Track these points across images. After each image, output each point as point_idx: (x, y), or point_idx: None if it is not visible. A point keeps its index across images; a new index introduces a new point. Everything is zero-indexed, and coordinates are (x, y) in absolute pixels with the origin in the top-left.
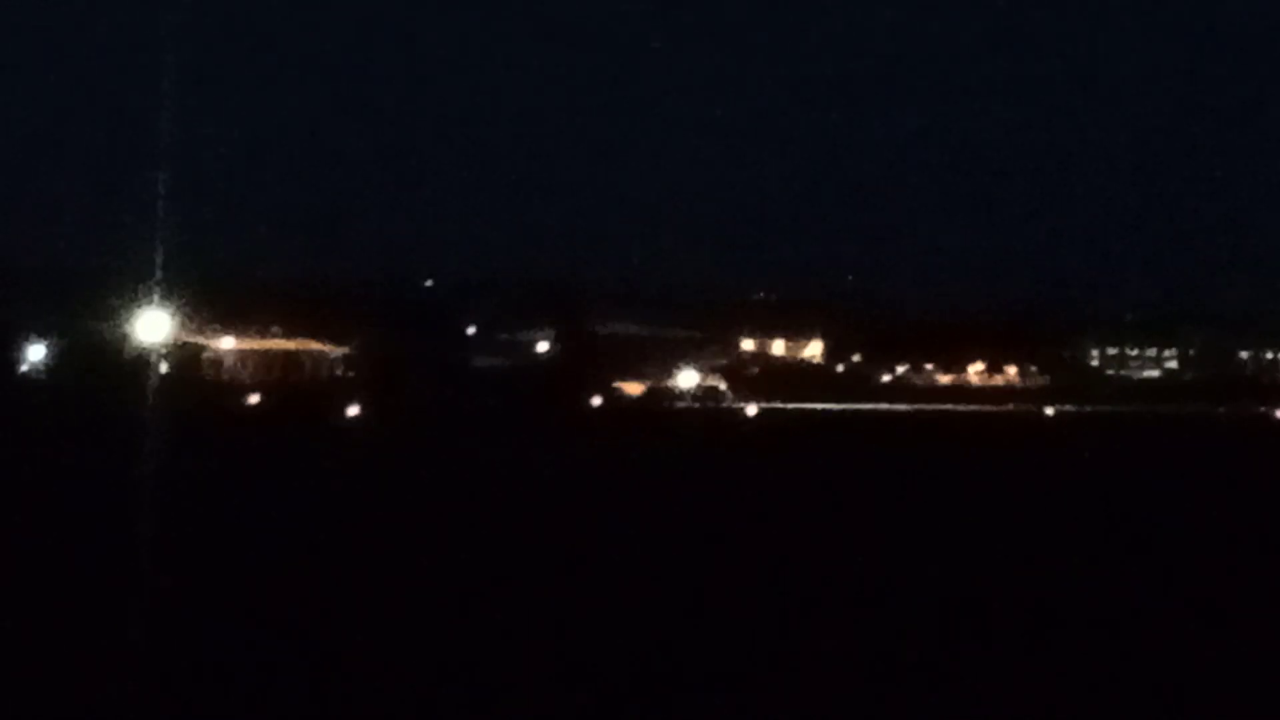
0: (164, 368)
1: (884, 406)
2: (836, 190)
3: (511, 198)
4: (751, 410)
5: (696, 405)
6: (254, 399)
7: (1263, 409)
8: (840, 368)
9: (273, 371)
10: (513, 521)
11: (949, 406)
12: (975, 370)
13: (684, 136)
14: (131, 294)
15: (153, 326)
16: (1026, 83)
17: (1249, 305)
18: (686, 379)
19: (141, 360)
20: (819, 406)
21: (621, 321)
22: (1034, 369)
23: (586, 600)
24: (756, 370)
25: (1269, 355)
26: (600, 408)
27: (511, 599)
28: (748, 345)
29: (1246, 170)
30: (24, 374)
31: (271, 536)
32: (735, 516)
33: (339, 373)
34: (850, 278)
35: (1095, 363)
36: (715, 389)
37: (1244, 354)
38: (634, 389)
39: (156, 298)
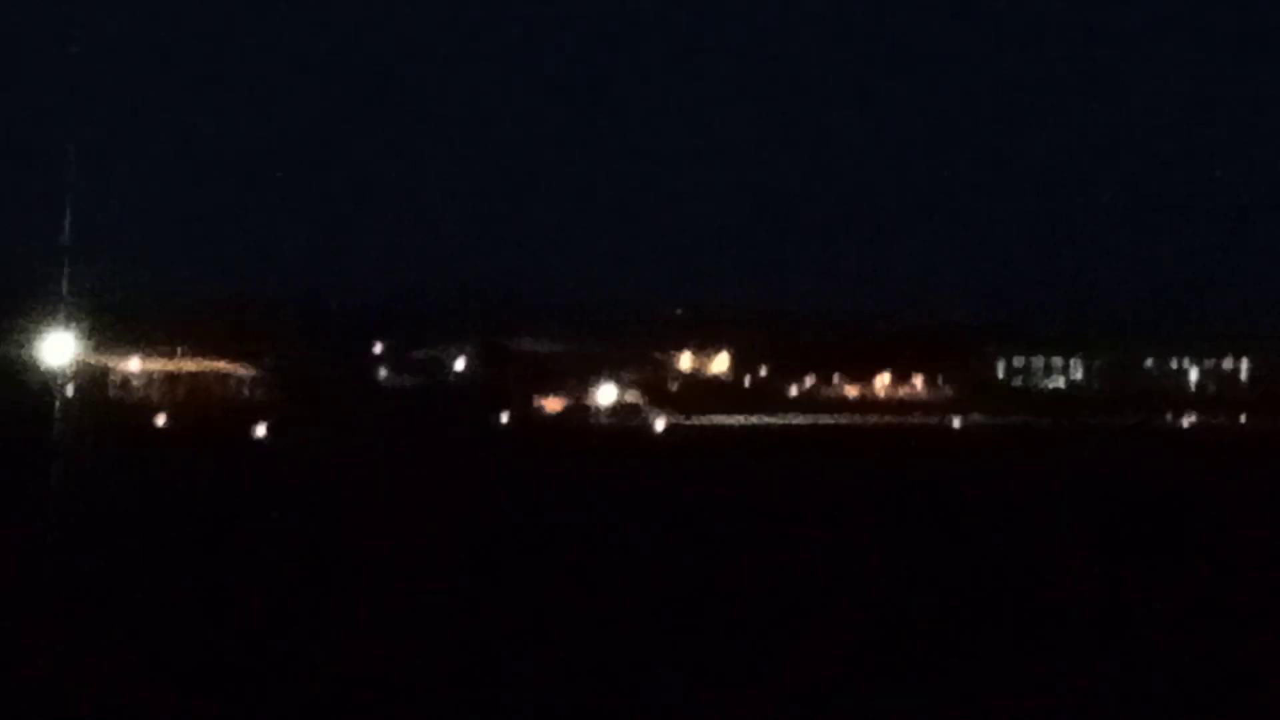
0: (70, 389)
1: (800, 420)
2: (748, 202)
3: (425, 216)
4: (661, 424)
5: (614, 420)
6: (160, 420)
7: (1167, 418)
8: (747, 381)
9: (179, 392)
10: (411, 537)
11: (859, 419)
12: (882, 383)
13: (600, 152)
14: (36, 315)
15: (58, 348)
16: (934, 91)
17: (1154, 315)
18: (605, 395)
19: (47, 381)
20: (738, 420)
21: (538, 338)
22: (940, 380)
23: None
24: (675, 385)
25: (1174, 364)
26: (516, 424)
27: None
28: (668, 360)
29: (1149, 182)
30: None
31: (173, 553)
32: (637, 527)
33: (247, 393)
34: (756, 290)
35: (1001, 375)
36: (634, 404)
37: (1149, 363)
38: (554, 405)
39: (61, 319)
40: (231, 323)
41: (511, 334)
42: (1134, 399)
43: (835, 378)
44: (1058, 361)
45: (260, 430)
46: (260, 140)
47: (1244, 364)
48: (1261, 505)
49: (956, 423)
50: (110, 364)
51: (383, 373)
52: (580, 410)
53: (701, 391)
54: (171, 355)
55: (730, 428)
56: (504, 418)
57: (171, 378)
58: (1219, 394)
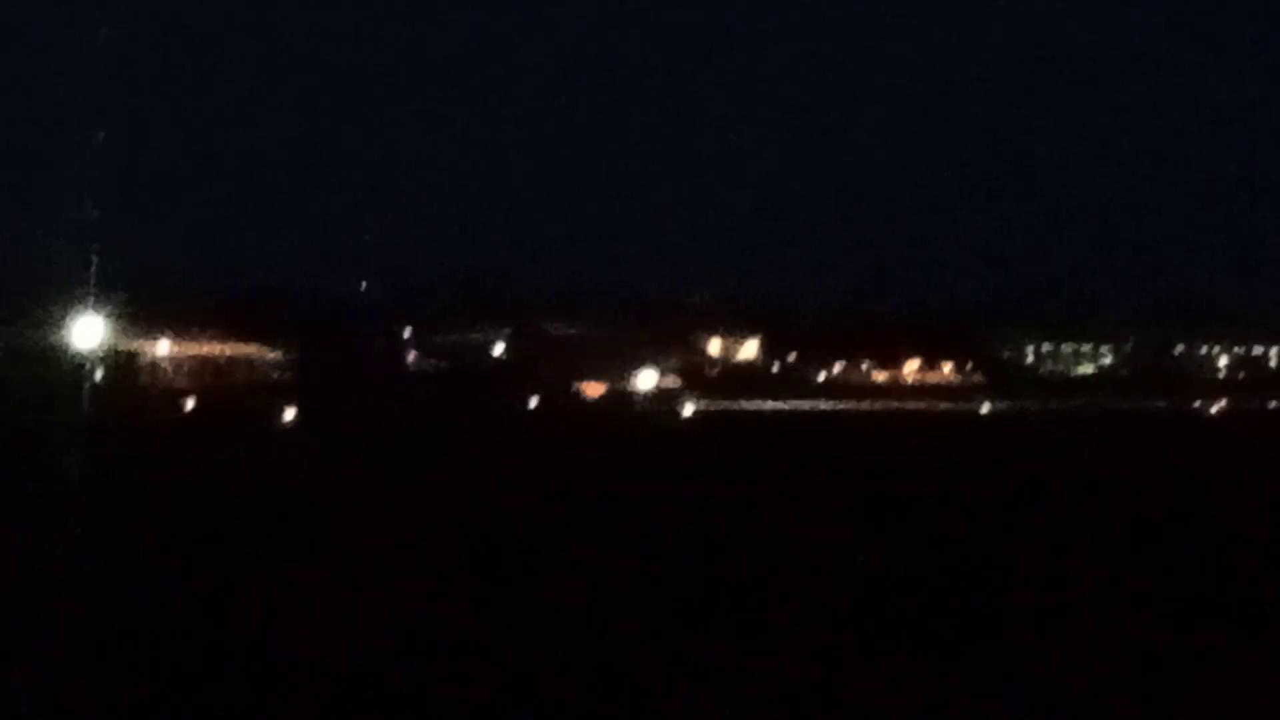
0: (99, 373)
1: (839, 405)
2: (776, 190)
3: (456, 199)
4: (690, 410)
5: (653, 406)
6: (190, 404)
7: (1196, 404)
8: (776, 367)
9: (208, 376)
10: (444, 525)
11: (892, 404)
12: (911, 368)
13: (627, 137)
14: (65, 300)
15: (88, 332)
16: (965, 76)
17: (1184, 300)
18: (646, 380)
19: (77, 366)
20: (769, 406)
21: (571, 323)
22: (969, 366)
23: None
24: (715, 371)
25: (1204, 350)
26: (553, 410)
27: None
28: (697, 346)
29: (1182, 166)
30: None
31: (209, 541)
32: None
33: (275, 376)
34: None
35: (1030, 360)
36: (673, 389)
37: (1179, 349)
38: (594, 390)
39: (91, 303)
40: (260, 307)
41: (543, 319)
42: (1162, 384)
43: (864, 364)
44: (1087, 348)
45: (289, 414)
46: (292, 129)
47: (1275, 350)
48: None
49: (984, 408)
50: (139, 348)
51: (411, 356)
52: (620, 395)
53: (740, 377)
54: (201, 339)
55: (762, 414)
56: (537, 402)
57: (200, 362)
58: (1249, 380)
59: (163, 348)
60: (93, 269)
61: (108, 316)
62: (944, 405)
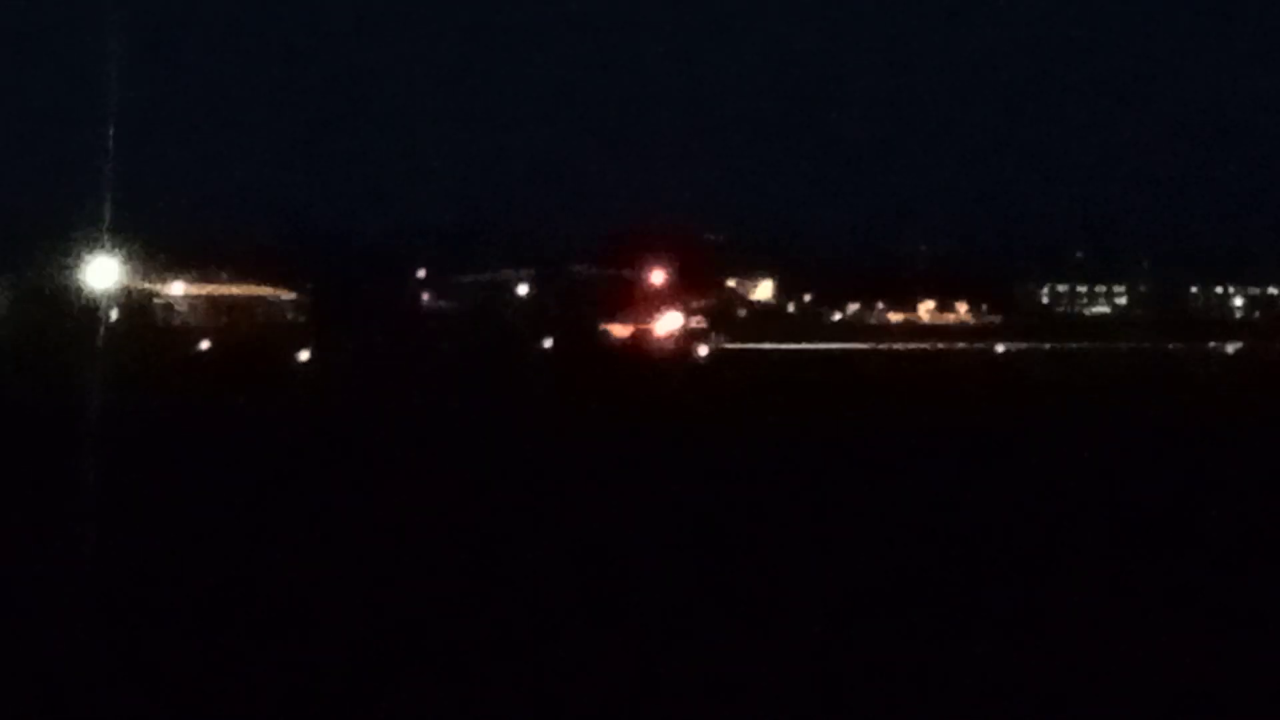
0: (115, 314)
1: (869, 346)
2: (787, 127)
3: (466, 144)
4: (705, 351)
5: (690, 346)
6: (205, 344)
7: (1212, 343)
8: (791, 307)
9: (223, 317)
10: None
11: (913, 345)
12: (926, 308)
13: (633, 82)
14: (81, 240)
15: (103, 273)
16: (972, 23)
17: (1199, 240)
18: (671, 321)
19: (92, 306)
20: (805, 346)
21: (598, 264)
22: (984, 307)
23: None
24: (744, 313)
25: (1218, 290)
26: (577, 350)
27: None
28: (735, 288)
29: (1194, 110)
30: None
31: (230, 489)
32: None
33: (289, 318)
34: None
35: (1046, 300)
36: (700, 330)
37: (1194, 289)
38: (621, 331)
39: (106, 244)
40: (273, 248)
41: (568, 260)
42: (1178, 324)
43: (879, 304)
44: (1102, 288)
45: (303, 355)
46: (309, 73)
47: None
48: None
49: (1000, 348)
50: (155, 289)
51: (426, 297)
52: (647, 336)
53: (765, 319)
54: (214, 280)
55: (781, 353)
56: (565, 343)
57: (215, 302)
58: (1263, 320)
59: (177, 289)
60: (107, 210)
61: (122, 258)
62: (959, 345)
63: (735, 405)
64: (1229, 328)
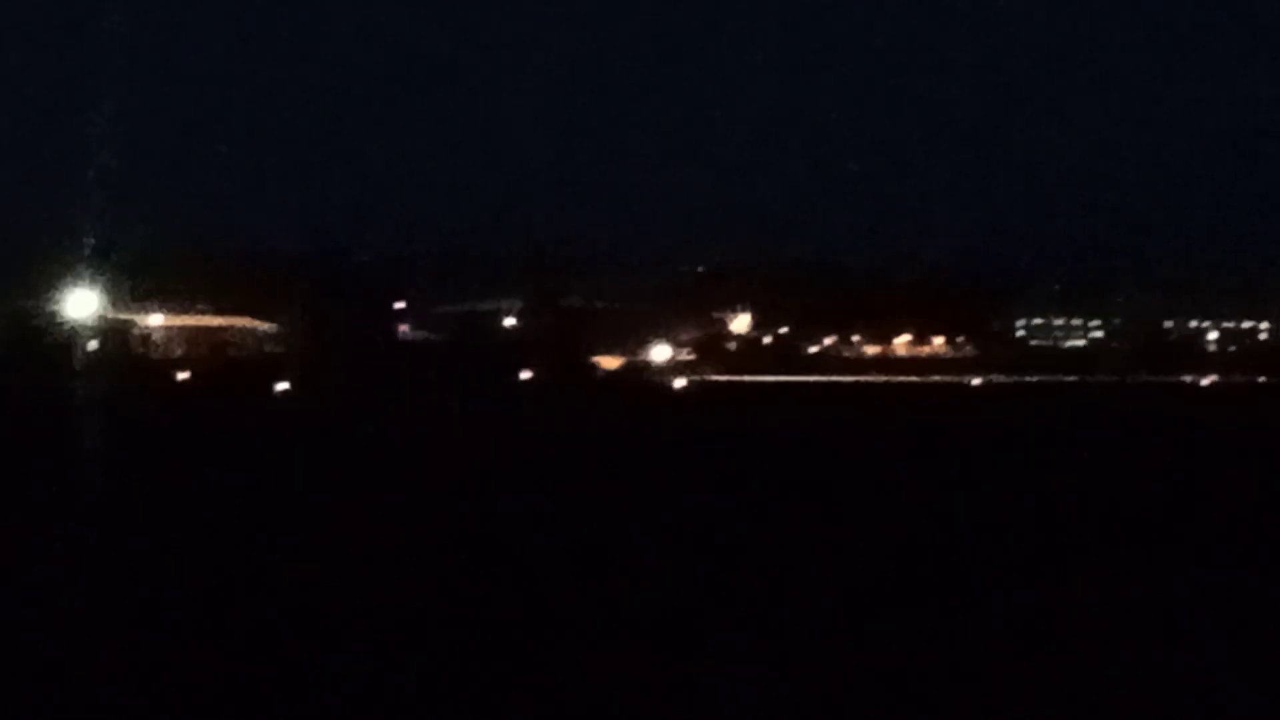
0: (93, 344)
1: (832, 379)
2: (768, 159)
3: (446, 171)
4: (680, 382)
5: (673, 379)
6: (183, 375)
7: (1187, 377)
8: (767, 339)
9: (201, 348)
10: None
11: (886, 378)
12: (902, 341)
13: (616, 108)
14: (59, 271)
15: (81, 303)
16: (948, 51)
17: (1174, 274)
18: (660, 353)
19: (70, 337)
20: (762, 379)
21: (584, 295)
22: (960, 339)
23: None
24: (733, 345)
25: (1193, 324)
26: (577, 380)
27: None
28: (724, 320)
29: (1168, 142)
30: None
31: (204, 513)
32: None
33: (268, 348)
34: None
35: (1021, 333)
36: (689, 363)
37: (1169, 323)
38: (610, 363)
39: (85, 274)
40: (252, 278)
41: (556, 291)
42: (1152, 357)
43: (855, 337)
44: (1078, 321)
45: (281, 385)
46: (287, 99)
47: (1265, 325)
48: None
49: (975, 381)
50: (133, 319)
51: (403, 328)
52: (637, 368)
53: (751, 351)
54: (192, 311)
55: (752, 386)
56: (555, 374)
57: (194, 333)
58: (1238, 353)
59: (155, 319)
60: (86, 241)
61: (100, 288)
62: (935, 378)
63: (731, 446)
64: (1204, 360)
